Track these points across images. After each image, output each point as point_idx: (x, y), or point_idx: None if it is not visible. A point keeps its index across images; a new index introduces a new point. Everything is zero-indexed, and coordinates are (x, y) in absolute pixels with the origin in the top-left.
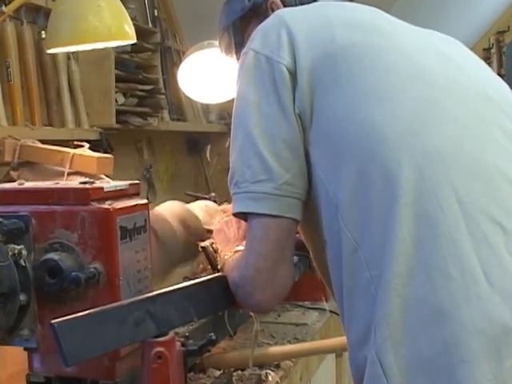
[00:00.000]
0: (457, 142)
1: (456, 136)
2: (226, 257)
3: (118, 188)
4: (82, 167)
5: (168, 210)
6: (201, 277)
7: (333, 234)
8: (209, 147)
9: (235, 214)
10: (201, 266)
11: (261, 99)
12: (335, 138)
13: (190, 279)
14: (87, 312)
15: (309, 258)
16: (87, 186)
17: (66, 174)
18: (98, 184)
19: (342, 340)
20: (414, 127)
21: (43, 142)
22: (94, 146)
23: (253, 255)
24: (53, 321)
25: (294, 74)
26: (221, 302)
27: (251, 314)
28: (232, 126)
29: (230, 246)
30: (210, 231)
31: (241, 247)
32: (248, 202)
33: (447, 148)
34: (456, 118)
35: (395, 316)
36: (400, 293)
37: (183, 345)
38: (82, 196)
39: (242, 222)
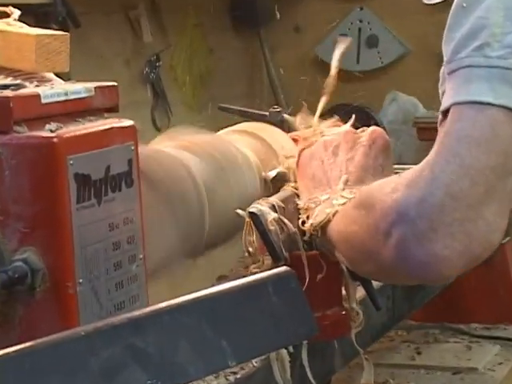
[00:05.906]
0: None
1: None
2: (328, 210)
3: (72, 97)
4: (8, 57)
5: (187, 140)
6: (250, 274)
7: None
8: (276, 16)
9: (455, 106)
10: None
11: None
12: None
13: (229, 280)
14: (4, 352)
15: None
16: (7, 92)
17: None
18: (29, 89)
19: None
20: None
21: None
22: (41, 18)
23: (452, 167)
24: None
25: None
26: (291, 327)
27: (358, 348)
28: None
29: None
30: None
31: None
32: (502, 84)
33: None
34: None
35: None
36: None
37: None
38: None
39: (364, 144)
